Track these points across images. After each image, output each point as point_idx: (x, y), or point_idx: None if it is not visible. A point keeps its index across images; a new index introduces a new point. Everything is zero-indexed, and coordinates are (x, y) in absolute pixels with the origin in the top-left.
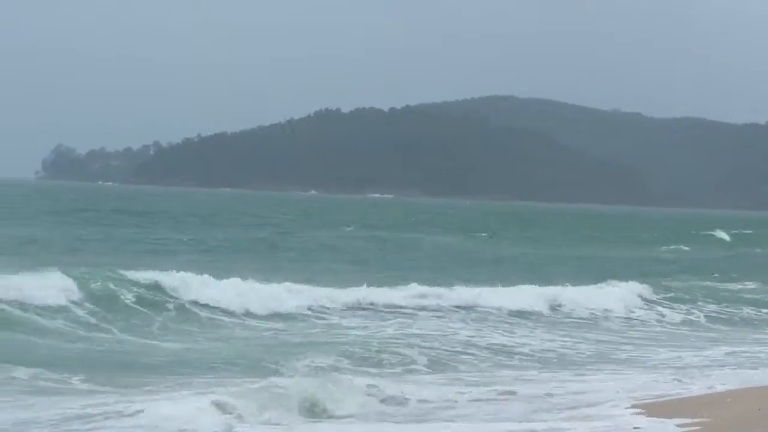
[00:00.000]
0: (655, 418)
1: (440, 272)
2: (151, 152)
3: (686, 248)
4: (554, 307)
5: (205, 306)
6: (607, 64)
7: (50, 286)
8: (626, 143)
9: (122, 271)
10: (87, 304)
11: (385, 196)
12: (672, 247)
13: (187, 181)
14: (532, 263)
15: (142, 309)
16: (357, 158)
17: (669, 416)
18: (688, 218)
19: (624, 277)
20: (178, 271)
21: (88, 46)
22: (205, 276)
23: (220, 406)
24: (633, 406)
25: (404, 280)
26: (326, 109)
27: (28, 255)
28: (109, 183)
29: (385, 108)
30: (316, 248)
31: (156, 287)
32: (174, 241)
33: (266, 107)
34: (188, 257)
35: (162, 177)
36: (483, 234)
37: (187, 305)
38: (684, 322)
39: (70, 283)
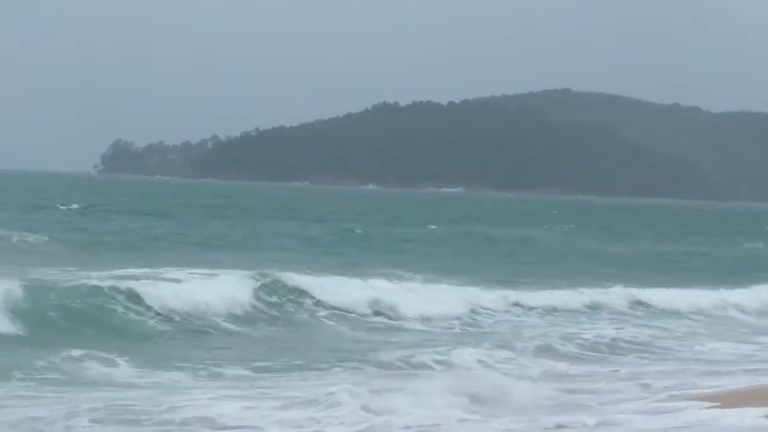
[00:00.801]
0: None
1: (567, 269)
2: (209, 146)
3: None
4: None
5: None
6: (664, 57)
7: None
8: (687, 137)
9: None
10: None
11: (454, 189)
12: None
13: (246, 174)
14: (654, 259)
15: None
16: (414, 152)
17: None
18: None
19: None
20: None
21: (145, 40)
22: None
23: None
24: None
25: (532, 278)
26: (384, 103)
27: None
28: (168, 177)
29: (444, 102)
30: (424, 244)
31: None
32: (299, 237)
33: (325, 102)
34: (336, 254)
35: (220, 171)
36: (572, 225)
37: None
38: None
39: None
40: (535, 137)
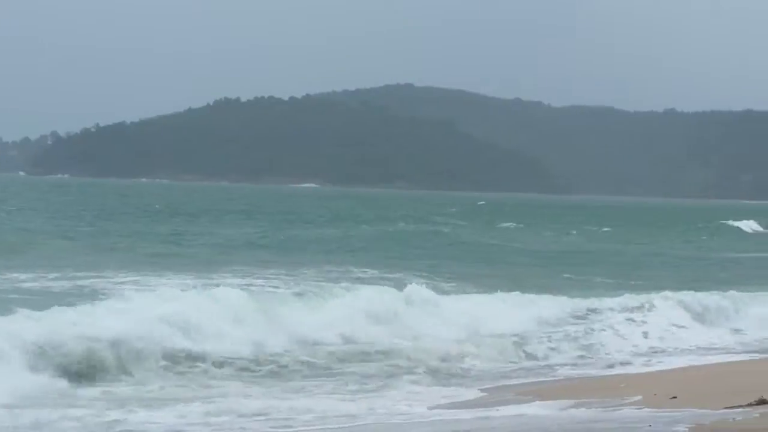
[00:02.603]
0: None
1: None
2: (49, 142)
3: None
4: None
5: None
6: (506, 53)
7: None
8: (529, 132)
9: None
10: None
11: (307, 185)
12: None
13: (89, 171)
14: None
15: None
16: (255, 147)
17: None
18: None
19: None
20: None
21: None
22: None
23: None
24: None
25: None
26: (225, 98)
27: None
28: (8, 173)
29: (285, 97)
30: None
31: None
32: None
33: (166, 97)
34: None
35: (61, 167)
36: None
37: None
38: None
39: None
40: (377, 132)
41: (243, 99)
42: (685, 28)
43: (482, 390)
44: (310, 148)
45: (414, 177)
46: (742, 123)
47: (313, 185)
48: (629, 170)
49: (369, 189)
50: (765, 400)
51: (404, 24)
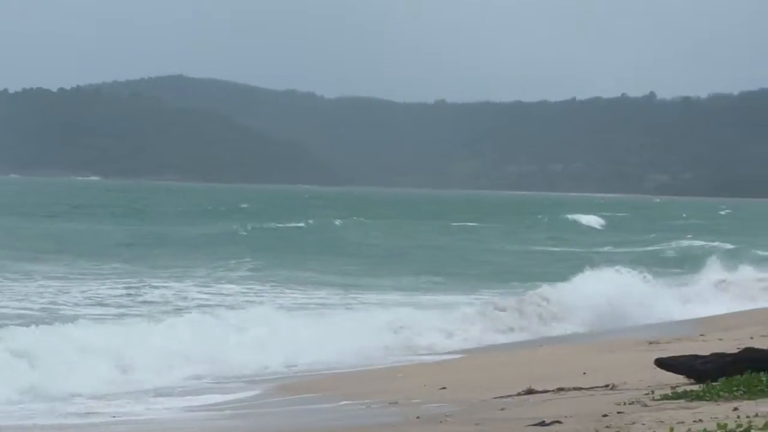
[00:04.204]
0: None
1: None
2: None
3: None
4: None
5: None
6: (279, 44)
7: None
8: (302, 123)
9: None
10: None
11: (88, 178)
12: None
13: None
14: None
15: None
16: (25, 140)
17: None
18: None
19: None
20: None
21: None
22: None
23: None
24: None
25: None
26: None
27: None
28: None
29: (54, 88)
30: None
31: None
32: None
33: None
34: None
35: None
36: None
37: None
38: None
39: None
40: (149, 124)
41: (11, 90)
42: (456, 21)
43: None
44: (82, 139)
45: (187, 169)
46: (510, 114)
47: (96, 178)
48: (399, 161)
49: (141, 181)
50: (533, 389)
51: (175, 13)
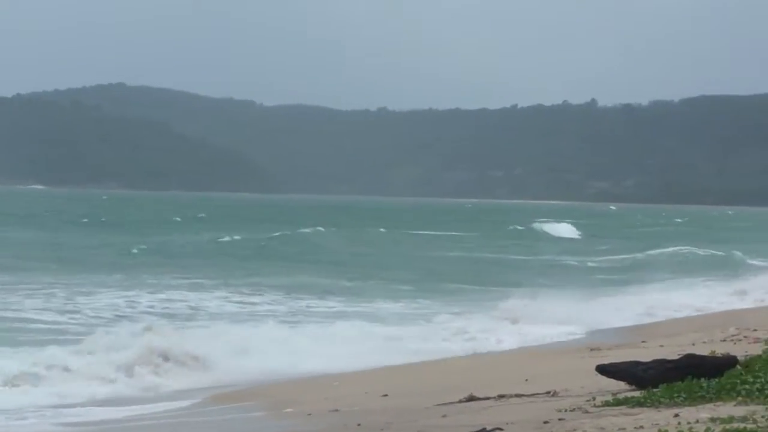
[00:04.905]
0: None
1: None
2: None
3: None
4: None
5: None
6: (218, 51)
7: None
8: (241, 131)
9: None
10: None
11: (34, 186)
12: None
13: None
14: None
15: None
16: None
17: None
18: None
19: None
20: None
21: None
22: None
23: None
24: None
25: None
26: None
27: None
28: None
29: None
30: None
31: None
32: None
33: None
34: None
35: None
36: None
37: None
38: None
39: None
40: (89, 132)
41: None
42: (397, 29)
43: None
44: (23, 148)
45: (127, 178)
46: (451, 122)
47: (39, 187)
48: (340, 169)
49: (82, 190)
50: (474, 396)
51: (115, 21)
